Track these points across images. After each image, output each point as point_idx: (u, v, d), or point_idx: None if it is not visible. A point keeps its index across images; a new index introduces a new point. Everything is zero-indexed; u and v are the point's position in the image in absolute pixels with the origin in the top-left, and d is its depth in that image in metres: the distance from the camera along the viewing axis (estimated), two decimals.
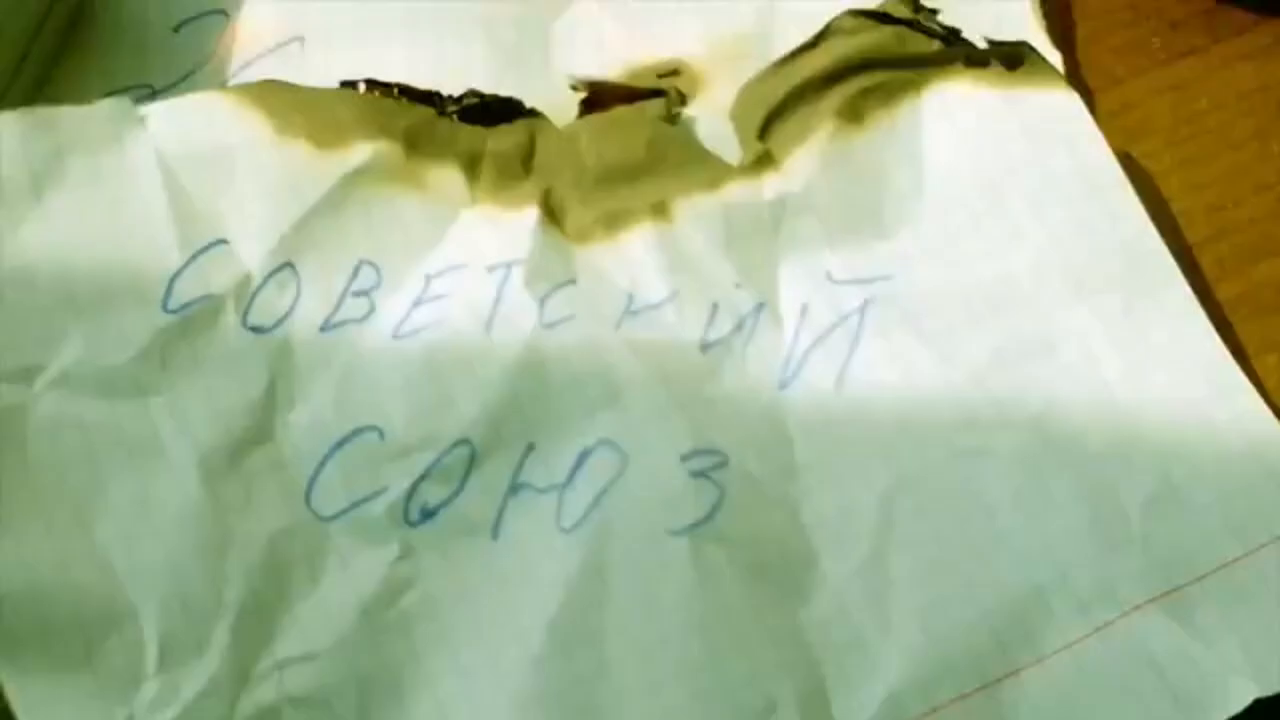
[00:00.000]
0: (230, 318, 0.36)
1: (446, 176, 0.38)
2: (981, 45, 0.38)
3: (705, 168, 0.38)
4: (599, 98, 0.40)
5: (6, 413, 0.34)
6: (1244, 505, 0.33)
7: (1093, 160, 0.37)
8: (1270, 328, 0.38)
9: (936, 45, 0.39)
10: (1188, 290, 0.36)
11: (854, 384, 0.35)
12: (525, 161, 0.38)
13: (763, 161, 0.38)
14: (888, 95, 0.38)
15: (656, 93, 0.40)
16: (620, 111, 0.40)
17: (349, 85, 0.38)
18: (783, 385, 0.36)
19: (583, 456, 0.35)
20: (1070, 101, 0.38)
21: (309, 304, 0.36)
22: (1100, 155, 0.37)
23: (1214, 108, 0.42)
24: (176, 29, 0.43)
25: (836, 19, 0.39)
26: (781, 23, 0.42)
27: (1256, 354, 0.37)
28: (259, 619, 0.33)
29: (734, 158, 0.39)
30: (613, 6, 0.43)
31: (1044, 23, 0.41)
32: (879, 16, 0.39)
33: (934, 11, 0.39)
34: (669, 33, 0.43)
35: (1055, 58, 0.40)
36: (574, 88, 0.41)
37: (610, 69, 0.42)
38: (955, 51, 0.39)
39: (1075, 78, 0.41)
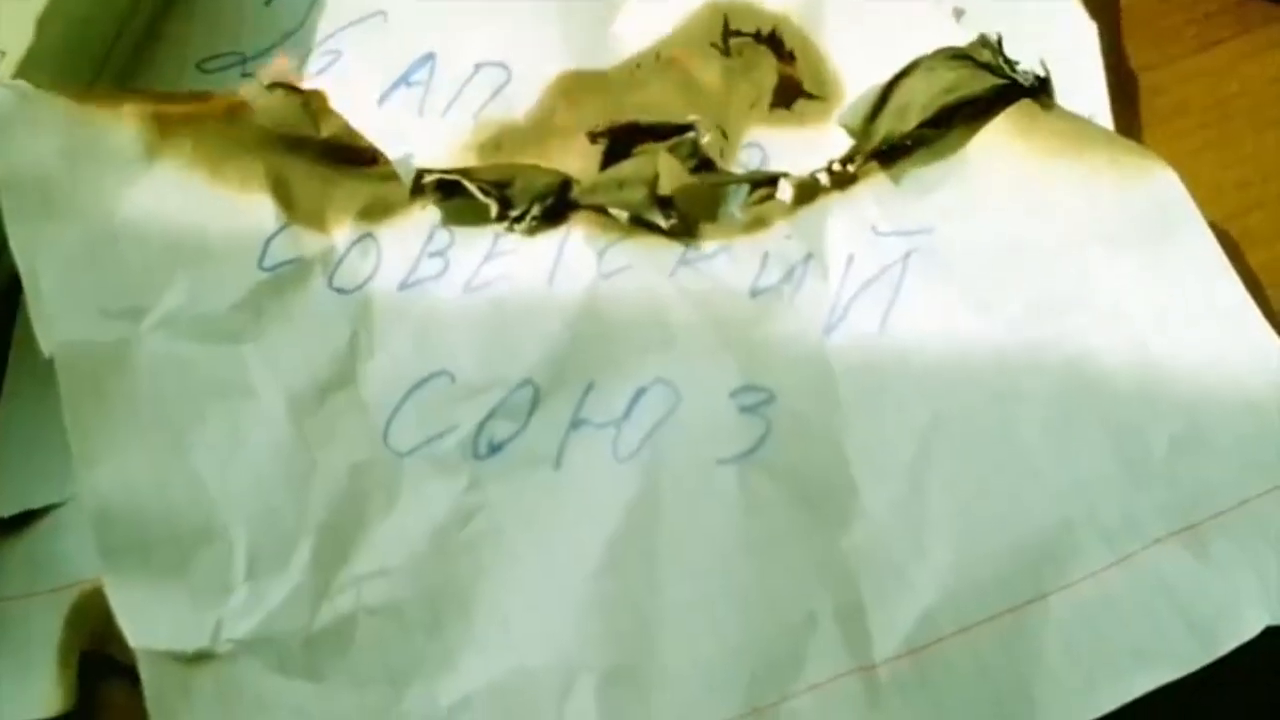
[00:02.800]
0: (318, 280, 0.39)
1: None
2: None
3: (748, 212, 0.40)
4: (619, 139, 0.42)
5: (116, 346, 0.37)
6: (1262, 448, 0.35)
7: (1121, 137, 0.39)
8: None
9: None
10: (1215, 245, 0.37)
11: (896, 329, 0.37)
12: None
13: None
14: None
15: (683, 128, 0.41)
16: (635, 164, 0.41)
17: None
18: (828, 330, 0.38)
19: (638, 393, 0.37)
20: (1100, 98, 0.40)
21: (389, 268, 0.39)
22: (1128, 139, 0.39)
23: (1243, 93, 0.43)
24: (268, 2, 0.46)
25: (925, 58, 0.40)
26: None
27: None
28: (339, 538, 0.35)
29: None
30: None
31: None
32: (961, 57, 0.40)
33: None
34: None
35: (1092, 28, 0.42)
36: (594, 140, 0.42)
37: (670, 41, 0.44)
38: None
39: (1114, 48, 0.43)
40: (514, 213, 0.39)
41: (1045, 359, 0.37)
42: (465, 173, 0.40)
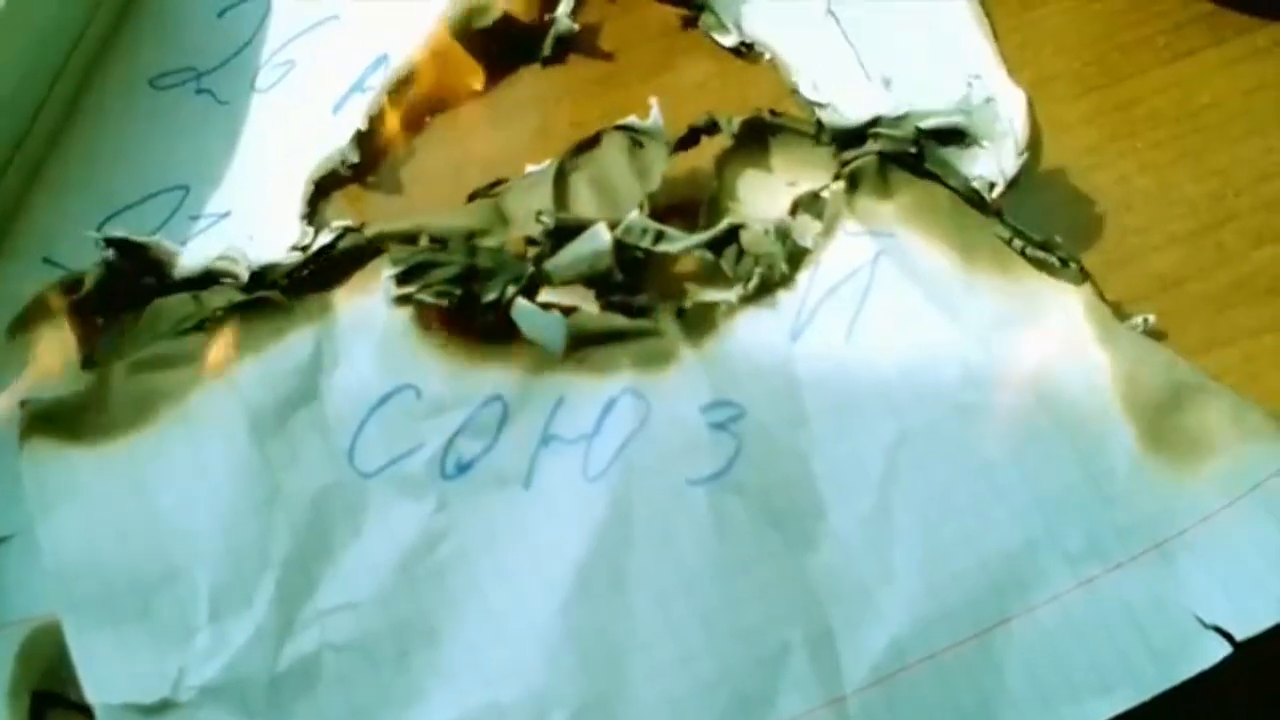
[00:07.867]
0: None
1: None
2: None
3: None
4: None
5: (84, 396, 0.36)
6: (1220, 463, 0.35)
7: None
8: (1270, 309, 0.39)
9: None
10: None
11: (862, 336, 0.37)
12: None
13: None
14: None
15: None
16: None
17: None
18: (795, 335, 0.37)
19: (609, 405, 0.36)
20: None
21: None
22: None
23: (1215, 104, 0.43)
24: (220, 15, 0.44)
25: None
26: None
27: (1256, 334, 0.38)
28: (303, 571, 0.34)
29: None
30: None
31: (1004, 65, 0.43)
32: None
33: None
34: None
35: (1019, 95, 0.42)
36: (540, 221, 0.39)
37: None
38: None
39: (1037, 104, 0.42)
40: (488, 299, 0.37)
41: (1010, 370, 0.36)
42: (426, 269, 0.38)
